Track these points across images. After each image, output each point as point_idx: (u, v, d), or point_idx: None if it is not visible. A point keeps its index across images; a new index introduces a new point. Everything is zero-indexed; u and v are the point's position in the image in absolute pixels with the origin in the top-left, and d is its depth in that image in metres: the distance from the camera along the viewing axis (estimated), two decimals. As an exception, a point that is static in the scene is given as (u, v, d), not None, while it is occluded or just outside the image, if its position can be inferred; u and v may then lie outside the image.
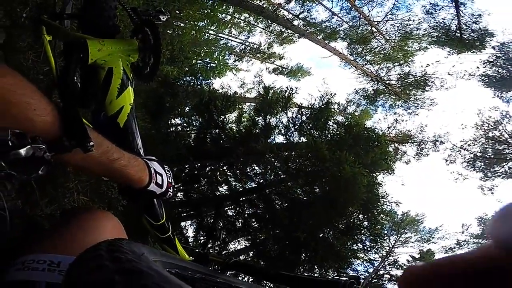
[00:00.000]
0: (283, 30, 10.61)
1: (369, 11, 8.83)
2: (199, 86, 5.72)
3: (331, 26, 9.68)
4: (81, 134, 0.50)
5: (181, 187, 4.90)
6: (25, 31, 1.78)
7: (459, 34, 8.05)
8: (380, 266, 11.76)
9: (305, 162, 3.74)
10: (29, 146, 0.44)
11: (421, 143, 9.54)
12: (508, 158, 8.82)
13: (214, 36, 10.85)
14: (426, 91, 9.38)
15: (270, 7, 9.00)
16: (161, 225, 0.89)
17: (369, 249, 4.54)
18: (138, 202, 0.82)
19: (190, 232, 5.12)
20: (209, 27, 9.10)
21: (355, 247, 4.44)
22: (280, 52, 12.85)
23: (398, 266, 11.93)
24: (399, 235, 12.89)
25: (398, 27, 8.99)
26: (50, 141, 0.47)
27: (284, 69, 13.48)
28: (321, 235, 4.06)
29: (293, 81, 13.62)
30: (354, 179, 3.20)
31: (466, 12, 7.68)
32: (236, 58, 12.85)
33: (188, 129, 5.02)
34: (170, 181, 0.81)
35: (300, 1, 9.38)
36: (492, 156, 9.07)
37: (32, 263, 0.47)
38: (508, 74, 8.21)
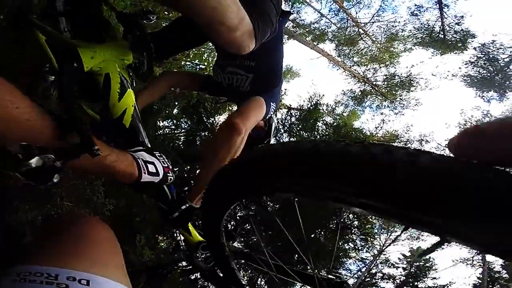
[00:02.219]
0: (272, 32, 10.72)
1: (357, 13, 9.05)
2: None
3: (320, 28, 9.84)
4: (86, 141, 0.53)
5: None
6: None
7: (442, 35, 8.32)
8: (373, 265, 11.96)
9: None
10: (38, 157, 0.47)
11: (408, 142, 9.83)
12: (490, 156, 9.22)
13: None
14: (411, 91, 9.67)
15: None
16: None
17: (360, 248, 4.61)
18: (147, 195, 0.94)
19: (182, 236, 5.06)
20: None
21: (347, 247, 4.50)
22: None
23: (390, 265, 12.18)
24: (389, 234, 13.17)
25: (384, 28, 9.24)
26: (58, 149, 0.51)
27: None
28: (312, 236, 4.09)
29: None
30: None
31: (449, 14, 7.96)
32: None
33: (176, 131, 4.96)
34: (166, 165, 0.84)
35: (290, 3, 9.47)
36: (476, 154, 9.47)
37: (29, 275, 0.46)
38: (488, 74, 8.46)
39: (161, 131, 5.15)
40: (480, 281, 11.07)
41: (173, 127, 4.78)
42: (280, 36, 1.40)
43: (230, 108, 4.31)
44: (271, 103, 1.35)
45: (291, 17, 10.08)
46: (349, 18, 9.10)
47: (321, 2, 9.02)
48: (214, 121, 3.95)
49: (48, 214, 1.87)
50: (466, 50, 8.45)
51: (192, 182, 5.09)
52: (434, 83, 9.48)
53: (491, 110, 9.34)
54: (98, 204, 2.48)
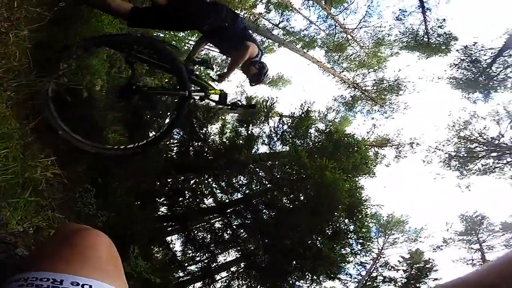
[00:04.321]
0: (263, 39, 10.85)
1: (344, 19, 9.24)
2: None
3: (309, 35, 10.02)
4: None
5: (164, 202, 4.80)
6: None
7: (426, 39, 8.47)
8: (373, 269, 11.95)
9: (288, 171, 3.78)
10: None
11: (399, 146, 10.00)
12: (480, 156, 9.34)
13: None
14: (400, 95, 9.84)
15: (250, 17, 9.18)
16: None
17: (358, 252, 4.60)
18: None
19: (178, 246, 5.00)
20: (189, 38, 9.11)
21: (344, 252, 4.48)
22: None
23: (390, 267, 12.18)
24: (387, 237, 13.20)
25: (371, 33, 9.43)
26: None
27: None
28: (309, 242, 4.08)
29: (274, 90, 13.72)
30: (335, 184, 3.26)
31: (432, 17, 8.12)
32: (218, 69, 12.91)
33: (169, 142, 4.92)
34: None
35: (280, 11, 9.63)
36: (466, 155, 9.55)
37: (36, 280, 0.49)
38: (472, 75, 8.60)
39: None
40: None
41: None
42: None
43: (223, 117, 4.34)
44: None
45: (281, 25, 10.28)
46: (337, 24, 9.28)
47: (309, 9, 9.19)
48: (207, 131, 3.94)
49: (40, 226, 1.85)
50: (450, 52, 8.66)
51: (186, 192, 5.04)
52: (421, 86, 9.66)
53: (477, 111, 9.55)
54: (90, 215, 2.44)
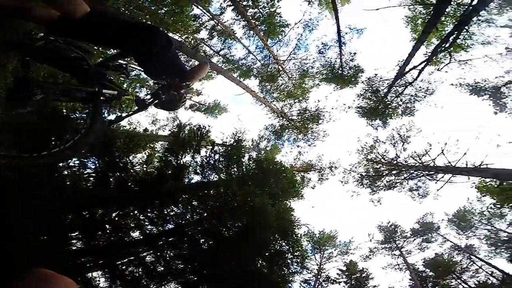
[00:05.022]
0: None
1: (277, 51, 9.92)
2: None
3: (247, 64, 10.28)
4: None
5: (79, 236, 4.14)
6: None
7: (341, 71, 9.41)
8: (317, 284, 12.41)
9: (221, 199, 3.72)
10: None
11: (321, 169, 11.17)
12: (384, 174, 11.16)
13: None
14: (320, 124, 10.93)
15: (192, 41, 9.08)
16: None
17: (297, 271, 4.70)
18: None
19: (103, 283, 4.23)
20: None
21: (283, 272, 4.52)
22: (198, 88, 12.84)
23: (332, 281, 12.86)
24: (322, 252, 14.07)
25: (298, 65, 10.16)
26: None
27: (201, 106, 13.37)
28: (248, 266, 4.02)
29: (210, 117, 13.64)
30: (264, 209, 3.37)
31: (346, 51, 9.12)
32: (149, 92, 12.19)
33: (84, 171, 4.24)
34: None
35: (222, 38, 9.79)
36: (373, 174, 11.28)
37: None
38: (373, 104, 9.78)
39: (66, 172, 4.32)
40: (413, 282, 12.71)
41: (78, 167, 4.05)
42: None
43: (149, 145, 4.02)
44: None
45: (222, 52, 10.47)
46: (271, 55, 9.92)
47: (250, 39, 9.63)
48: (129, 161, 3.57)
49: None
50: (358, 84, 9.72)
51: (107, 226, 4.38)
52: (336, 116, 10.94)
53: (379, 136, 11.38)
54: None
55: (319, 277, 13.27)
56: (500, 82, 7.93)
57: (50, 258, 2.72)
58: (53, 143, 3.72)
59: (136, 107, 2.04)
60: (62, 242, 3.75)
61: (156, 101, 2.11)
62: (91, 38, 1.93)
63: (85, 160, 3.88)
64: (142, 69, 2.35)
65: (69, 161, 4.28)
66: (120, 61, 2.18)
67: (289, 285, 4.50)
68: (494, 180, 7.65)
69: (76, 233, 4.16)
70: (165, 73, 2.06)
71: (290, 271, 4.63)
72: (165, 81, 2.03)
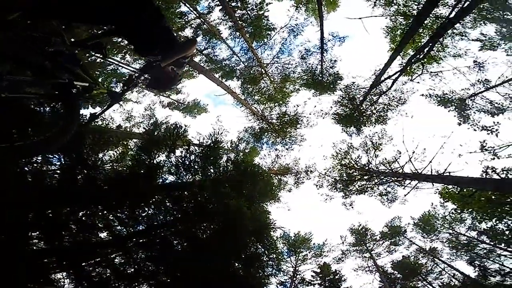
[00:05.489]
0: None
1: (262, 53, 9.92)
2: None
3: (230, 65, 10.14)
4: None
5: (41, 236, 3.89)
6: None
7: (321, 77, 9.59)
8: (292, 286, 12.49)
9: (196, 201, 3.64)
10: None
11: (297, 173, 11.40)
12: (356, 179, 11.59)
13: (102, 60, 9.46)
14: (298, 128, 11.13)
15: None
16: None
17: (273, 273, 4.70)
18: None
19: (69, 284, 3.98)
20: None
21: (260, 274, 4.51)
22: (178, 86, 12.65)
23: (307, 283, 13.01)
24: (297, 255, 14.25)
25: (280, 69, 10.23)
26: None
27: (180, 104, 13.03)
28: (224, 268, 3.96)
29: (189, 117, 13.33)
30: (239, 211, 3.35)
31: (327, 58, 9.28)
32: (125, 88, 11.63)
33: (48, 168, 3.96)
34: None
35: (207, 38, 9.61)
36: (346, 179, 11.67)
37: None
38: (349, 112, 9.98)
39: (28, 167, 4.00)
40: (382, 284, 13.16)
41: (42, 163, 3.77)
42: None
43: (122, 142, 3.82)
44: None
45: (205, 51, 10.25)
46: (255, 58, 9.90)
47: (235, 40, 9.55)
48: (99, 158, 3.39)
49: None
50: (336, 91, 9.94)
51: (72, 225, 4.12)
52: (313, 121, 11.13)
53: (353, 143, 11.82)
54: None
55: (294, 279, 13.47)
56: (466, 94, 8.44)
57: (8, 259, 2.49)
58: (15, 136, 3.46)
59: (110, 100, 1.90)
60: (22, 242, 3.51)
61: (129, 90, 1.98)
62: (75, 14, 1.65)
63: (49, 156, 3.63)
64: (131, 44, 2.08)
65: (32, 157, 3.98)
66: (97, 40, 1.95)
67: (265, 287, 4.51)
68: (456, 187, 8.21)
69: (38, 232, 3.91)
70: (155, 46, 1.89)
71: (266, 273, 4.65)
72: (158, 56, 1.86)
